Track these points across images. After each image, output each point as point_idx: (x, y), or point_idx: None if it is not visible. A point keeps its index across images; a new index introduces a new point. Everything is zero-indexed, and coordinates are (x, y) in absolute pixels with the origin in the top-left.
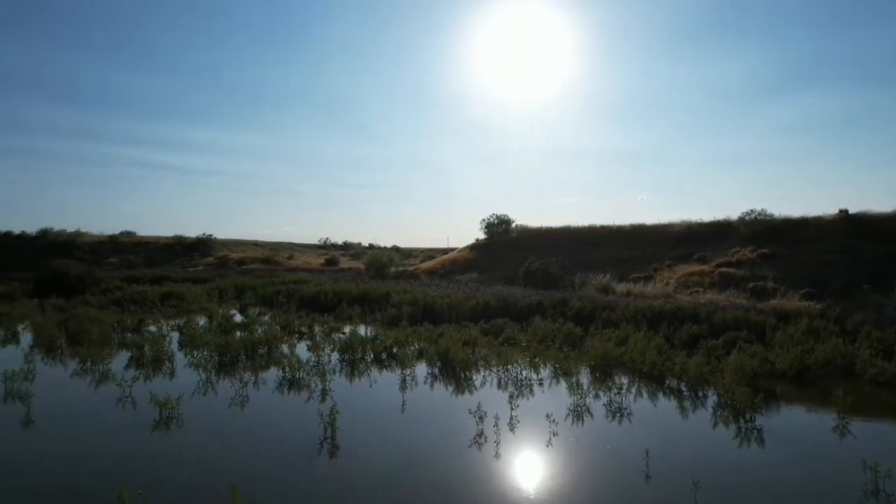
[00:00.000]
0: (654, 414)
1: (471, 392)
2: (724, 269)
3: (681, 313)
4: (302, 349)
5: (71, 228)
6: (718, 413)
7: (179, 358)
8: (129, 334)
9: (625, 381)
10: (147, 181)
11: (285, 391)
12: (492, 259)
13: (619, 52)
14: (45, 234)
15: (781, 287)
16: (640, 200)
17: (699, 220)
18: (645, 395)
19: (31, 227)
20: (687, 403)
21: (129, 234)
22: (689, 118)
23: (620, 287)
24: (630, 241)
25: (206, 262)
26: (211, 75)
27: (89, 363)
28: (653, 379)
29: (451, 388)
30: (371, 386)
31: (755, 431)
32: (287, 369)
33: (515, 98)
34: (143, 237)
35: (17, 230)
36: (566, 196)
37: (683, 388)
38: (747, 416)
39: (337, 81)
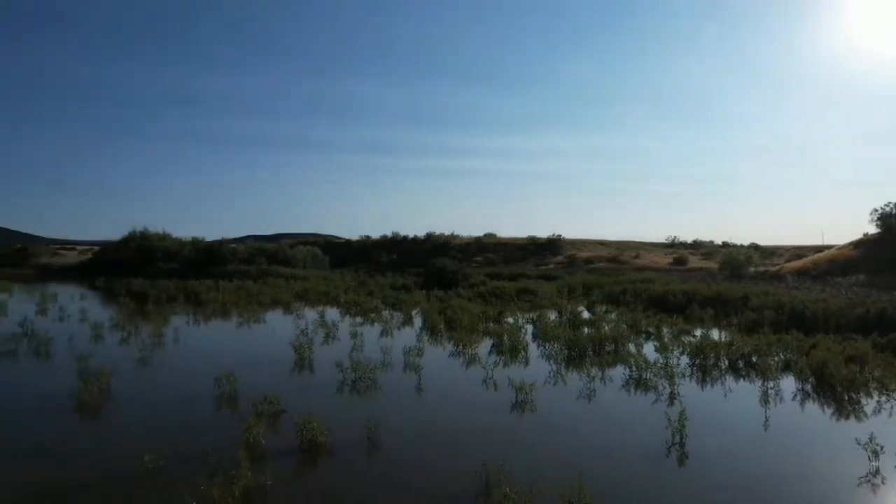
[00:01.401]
0: None
1: (858, 419)
2: None
3: None
4: (649, 349)
5: (447, 232)
6: None
7: (532, 348)
8: (491, 324)
9: None
10: (504, 188)
11: (631, 390)
12: (887, 258)
13: None
14: (429, 237)
15: None
16: None
17: None
18: None
19: (420, 232)
20: None
21: (490, 235)
22: None
23: None
24: None
25: (555, 260)
26: (551, 86)
27: (461, 346)
28: None
29: (828, 411)
30: (725, 395)
31: None
32: (634, 368)
33: None
34: (501, 238)
35: (410, 234)
36: None
37: None
38: None
39: (672, 72)
